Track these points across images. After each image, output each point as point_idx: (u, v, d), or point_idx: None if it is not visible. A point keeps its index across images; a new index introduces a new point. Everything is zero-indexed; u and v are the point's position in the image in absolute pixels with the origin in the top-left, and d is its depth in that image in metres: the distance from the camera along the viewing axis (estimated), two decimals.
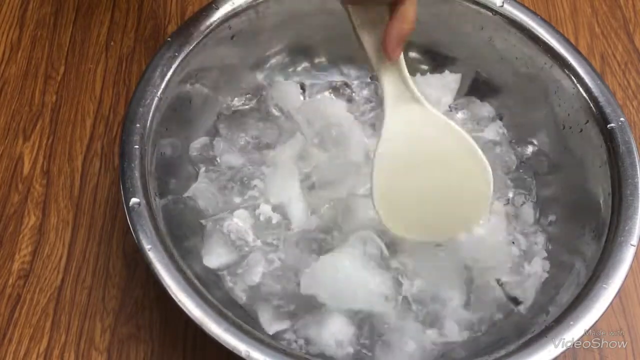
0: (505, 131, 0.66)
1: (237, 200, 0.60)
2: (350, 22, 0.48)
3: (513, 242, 0.60)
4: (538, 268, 0.58)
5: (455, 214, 0.53)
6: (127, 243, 0.63)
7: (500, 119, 0.67)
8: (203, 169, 0.62)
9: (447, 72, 0.67)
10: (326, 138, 0.62)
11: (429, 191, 0.51)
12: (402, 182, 0.51)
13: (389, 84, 0.49)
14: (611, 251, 0.52)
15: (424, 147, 0.50)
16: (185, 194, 0.60)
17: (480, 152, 0.51)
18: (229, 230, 0.58)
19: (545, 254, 0.59)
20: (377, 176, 0.51)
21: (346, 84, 0.68)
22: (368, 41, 0.48)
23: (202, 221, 0.59)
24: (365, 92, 0.68)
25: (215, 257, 0.57)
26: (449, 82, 0.66)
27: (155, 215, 0.51)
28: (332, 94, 0.68)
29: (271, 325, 0.54)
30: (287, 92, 0.66)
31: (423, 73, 0.68)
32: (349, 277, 0.53)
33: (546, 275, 0.58)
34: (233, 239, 0.58)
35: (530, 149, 0.66)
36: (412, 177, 0.51)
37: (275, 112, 0.66)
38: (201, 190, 0.60)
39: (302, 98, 0.67)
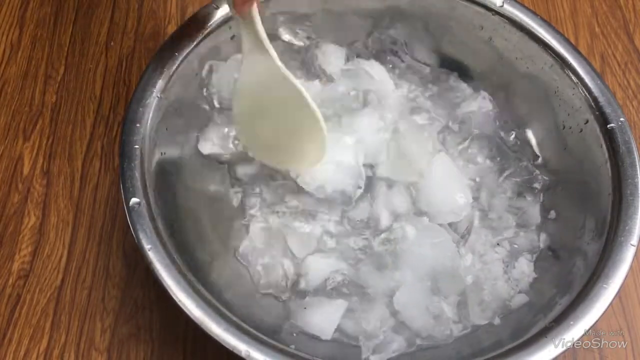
0: (505, 131, 0.67)
1: None
2: None
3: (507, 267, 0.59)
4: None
5: (296, 151, 0.60)
6: (127, 243, 0.63)
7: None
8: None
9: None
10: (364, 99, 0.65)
11: (275, 127, 0.59)
12: (255, 116, 0.59)
13: (245, 36, 0.55)
14: (611, 251, 0.52)
15: (270, 91, 0.57)
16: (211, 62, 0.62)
17: (312, 103, 0.56)
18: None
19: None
20: (235, 109, 0.59)
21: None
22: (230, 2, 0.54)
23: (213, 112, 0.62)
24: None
25: (209, 143, 0.60)
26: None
27: (155, 215, 0.51)
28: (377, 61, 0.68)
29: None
30: (333, 53, 0.67)
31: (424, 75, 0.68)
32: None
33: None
34: (229, 133, 0.61)
35: (530, 149, 0.65)
36: (263, 114, 0.58)
37: (317, 72, 0.67)
38: (224, 69, 0.62)
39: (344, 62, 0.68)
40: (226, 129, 0.62)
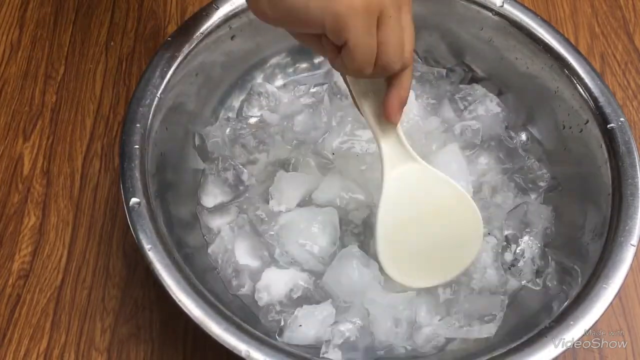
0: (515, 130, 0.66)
1: (243, 153, 0.62)
2: (350, 92, 0.52)
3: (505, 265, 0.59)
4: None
5: (451, 257, 0.56)
6: (127, 243, 0.63)
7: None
8: (225, 116, 0.65)
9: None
10: None
11: (427, 240, 0.55)
12: (404, 234, 0.54)
13: (386, 146, 0.53)
14: (611, 251, 0.52)
15: (420, 200, 0.54)
16: (197, 130, 0.62)
17: (469, 198, 0.55)
18: (226, 168, 0.60)
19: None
20: (380, 231, 0.54)
21: None
22: (368, 108, 0.51)
23: (205, 166, 0.62)
24: None
25: (212, 197, 0.60)
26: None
27: (155, 215, 0.51)
28: None
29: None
30: None
31: (424, 74, 0.68)
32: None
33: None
34: (229, 180, 0.60)
35: (541, 147, 0.65)
36: (412, 229, 0.54)
37: (337, 95, 0.66)
38: (214, 132, 0.62)
39: None
40: (222, 174, 0.60)
